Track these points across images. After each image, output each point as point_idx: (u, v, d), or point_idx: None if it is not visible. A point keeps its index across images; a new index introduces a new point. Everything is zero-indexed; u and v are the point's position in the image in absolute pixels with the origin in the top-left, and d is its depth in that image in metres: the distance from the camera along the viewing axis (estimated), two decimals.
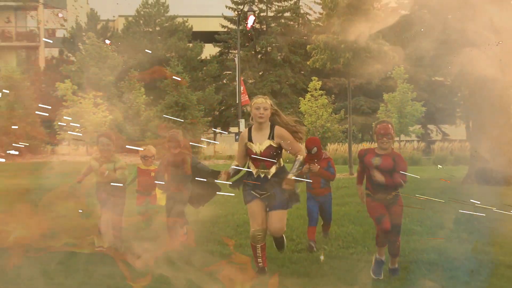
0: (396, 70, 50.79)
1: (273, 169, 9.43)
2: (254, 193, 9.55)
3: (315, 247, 11.44)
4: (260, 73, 66.79)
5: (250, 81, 64.74)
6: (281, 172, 9.44)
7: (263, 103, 9.42)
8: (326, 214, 12.06)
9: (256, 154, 9.42)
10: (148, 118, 49.72)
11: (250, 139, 9.55)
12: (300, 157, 9.44)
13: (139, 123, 50.33)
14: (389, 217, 9.28)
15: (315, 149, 11.16)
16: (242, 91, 53.22)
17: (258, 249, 9.61)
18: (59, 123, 50.52)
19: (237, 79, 57.99)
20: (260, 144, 9.43)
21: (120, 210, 11.11)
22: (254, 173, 9.53)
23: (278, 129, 9.47)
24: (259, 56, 68.22)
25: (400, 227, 9.53)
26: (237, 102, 54.75)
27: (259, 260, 9.64)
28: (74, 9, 50.92)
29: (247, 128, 9.78)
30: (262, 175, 9.43)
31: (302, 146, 9.95)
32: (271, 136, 9.44)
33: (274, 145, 9.39)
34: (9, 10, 69.60)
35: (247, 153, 9.65)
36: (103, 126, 49.30)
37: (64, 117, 49.61)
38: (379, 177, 9.04)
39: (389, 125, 9.45)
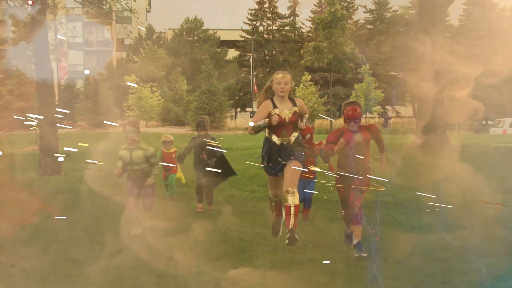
0: (363, 67, 50.64)
1: (292, 137, 7.50)
2: (280, 160, 7.45)
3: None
4: (268, 70, 66.47)
5: (260, 75, 64.46)
6: (298, 139, 7.61)
7: (284, 77, 7.52)
8: (309, 197, 9.71)
9: (285, 120, 7.43)
10: (188, 101, 49.66)
11: (275, 107, 7.53)
12: (306, 115, 7.82)
13: (182, 105, 50.38)
14: (355, 190, 7.44)
15: (308, 135, 9.04)
16: (254, 83, 53.60)
17: (292, 209, 7.31)
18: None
19: (251, 74, 58.04)
20: (288, 110, 7.49)
21: (152, 191, 9.04)
22: (276, 142, 7.49)
23: (297, 99, 7.71)
24: (266, 57, 67.86)
25: (362, 197, 7.57)
26: (251, 90, 54.93)
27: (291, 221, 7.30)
28: (137, 24, 50.66)
29: (268, 99, 7.66)
30: (285, 143, 7.48)
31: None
32: (294, 104, 7.58)
33: (298, 112, 7.57)
34: (91, 25, 69.45)
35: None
36: (157, 107, 49.47)
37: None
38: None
39: (358, 108, 7.52)
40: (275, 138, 7.50)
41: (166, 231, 8.70)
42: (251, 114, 56.84)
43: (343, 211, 7.84)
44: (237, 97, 64.81)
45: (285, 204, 7.42)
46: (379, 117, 59.88)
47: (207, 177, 10.44)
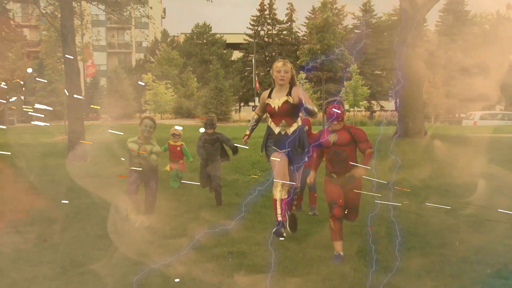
0: (352, 67, 50.53)
1: (292, 127, 6.57)
2: (275, 148, 6.63)
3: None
4: (268, 69, 66.34)
5: (261, 74, 64.44)
6: (300, 131, 6.70)
7: (284, 66, 6.64)
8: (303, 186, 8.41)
9: (274, 109, 6.63)
10: (198, 96, 49.69)
11: (269, 97, 6.74)
12: (308, 105, 6.40)
13: (193, 100, 50.41)
14: (346, 200, 6.21)
15: (306, 127, 7.63)
16: (256, 80, 53.63)
17: (278, 203, 6.47)
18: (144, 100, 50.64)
19: (253, 72, 57.93)
20: (279, 100, 6.61)
21: (155, 187, 7.88)
22: (275, 131, 6.69)
23: (296, 88, 6.65)
24: (267, 58, 67.81)
25: (358, 209, 6.43)
26: (253, 86, 54.90)
27: (278, 214, 6.45)
28: (153, 29, 50.65)
29: (269, 89, 6.93)
30: (283, 132, 6.60)
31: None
32: (289, 93, 6.61)
33: (291, 101, 6.56)
34: (113, 29, 69.39)
35: (268, 110, 6.78)
36: (170, 101, 49.40)
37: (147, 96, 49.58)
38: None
39: (340, 106, 6.17)
40: (273, 127, 6.73)
41: (176, 211, 8.71)
42: (253, 108, 56.95)
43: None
44: (241, 93, 64.85)
45: (273, 198, 6.56)
46: (365, 111, 59.98)
47: (214, 170, 9.61)
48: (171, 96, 50.62)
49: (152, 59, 60.84)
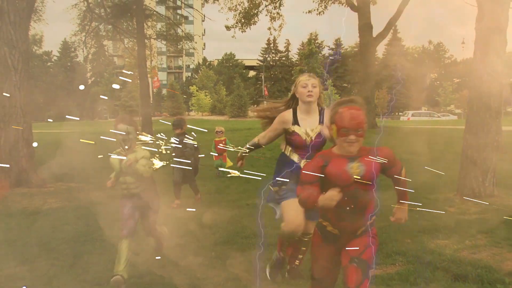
0: (328, 81, 50.09)
1: None
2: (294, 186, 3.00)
3: None
4: (272, 83, 66.01)
5: (268, 86, 64.06)
6: None
7: (310, 79, 3.35)
8: None
9: (305, 142, 3.19)
10: (226, 101, 49.48)
11: (296, 123, 3.25)
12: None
13: (222, 103, 50.17)
14: (352, 252, 2.02)
15: None
16: (265, 91, 53.40)
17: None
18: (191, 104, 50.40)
19: (262, 85, 57.58)
20: (311, 130, 3.22)
21: (154, 216, 3.70)
22: (300, 164, 3.17)
23: (327, 112, 3.16)
24: (271, 75, 67.29)
25: (370, 266, 1.94)
26: (263, 94, 54.64)
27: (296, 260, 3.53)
28: (197, 56, 50.47)
29: (290, 110, 3.33)
30: None
31: None
32: (322, 121, 3.27)
33: (325, 132, 3.01)
34: (171, 57, 69.19)
35: (293, 141, 3.23)
36: (208, 104, 49.19)
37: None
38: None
39: (361, 113, 2.11)
40: (296, 158, 3.27)
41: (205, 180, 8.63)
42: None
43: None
44: (254, 99, 64.60)
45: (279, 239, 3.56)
46: None
47: (185, 173, 6.60)
48: (208, 100, 50.51)
49: (196, 76, 60.62)
